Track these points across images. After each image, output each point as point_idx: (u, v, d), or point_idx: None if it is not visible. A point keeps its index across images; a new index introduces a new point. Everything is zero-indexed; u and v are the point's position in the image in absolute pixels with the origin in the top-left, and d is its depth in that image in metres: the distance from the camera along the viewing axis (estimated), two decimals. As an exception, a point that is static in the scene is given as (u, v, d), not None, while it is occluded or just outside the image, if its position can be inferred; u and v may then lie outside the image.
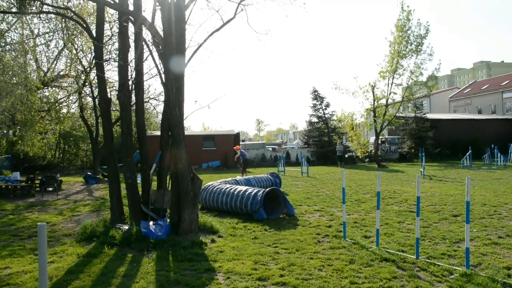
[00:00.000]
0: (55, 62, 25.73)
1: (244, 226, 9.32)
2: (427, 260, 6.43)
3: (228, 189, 11.42)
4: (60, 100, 28.52)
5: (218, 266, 6.34)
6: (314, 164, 32.97)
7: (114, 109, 22.90)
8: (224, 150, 32.43)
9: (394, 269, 5.98)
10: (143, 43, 9.76)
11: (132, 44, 9.81)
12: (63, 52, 24.43)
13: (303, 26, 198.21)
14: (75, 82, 24.73)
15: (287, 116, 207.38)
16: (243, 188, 11.31)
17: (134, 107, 9.68)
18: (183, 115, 8.49)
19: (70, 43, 21.01)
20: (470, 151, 26.57)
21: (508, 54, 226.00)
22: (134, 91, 9.60)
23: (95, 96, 24.11)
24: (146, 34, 10.09)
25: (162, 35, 8.51)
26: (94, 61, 22.26)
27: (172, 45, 8.10)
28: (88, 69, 22.39)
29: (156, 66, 10.01)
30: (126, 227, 8.48)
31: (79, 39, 21.48)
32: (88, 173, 22.72)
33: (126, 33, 9.28)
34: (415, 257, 6.53)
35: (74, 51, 22.14)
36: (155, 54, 10.27)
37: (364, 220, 9.80)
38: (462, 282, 5.36)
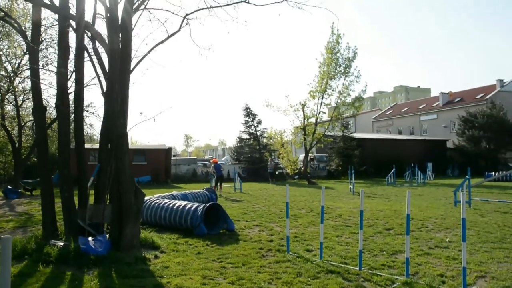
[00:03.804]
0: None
1: (186, 242, 9.15)
2: (369, 271, 6.72)
3: (167, 204, 11.17)
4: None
5: (166, 282, 6.17)
6: (246, 180, 33.14)
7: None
8: (155, 165, 31.62)
9: (340, 281, 6.18)
10: (84, 51, 9.39)
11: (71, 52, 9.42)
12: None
13: (237, 44, 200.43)
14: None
15: (216, 133, 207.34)
16: (183, 203, 11.13)
17: (73, 118, 9.23)
18: (127, 126, 8.25)
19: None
20: (394, 169, 28.15)
21: (423, 80, 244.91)
22: (73, 101, 9.17)
23: (18, 104, 22.65)
24: (88, 43, 9.75)
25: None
26: (20, 67, 21.04)
27: (118, 52, 7.89)
28: (12, 74, 20.96)
29: (97, 74, 9.66)
30: (62, 244, 7.99)
31: (2, 43, 20.13)
32: (9, 186, 21.13)
33: (67, 39, 8.88)
34: (358, 268, 6.80)
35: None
36: (95, 62, 9.96)
37: (303, 234, 10.02)
38: (404, 291, 5.68)
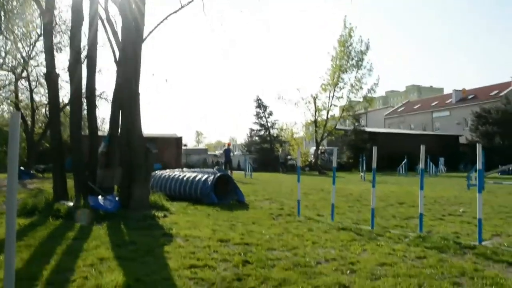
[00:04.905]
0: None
1: (195, 208, 9.10)
2: (382, 229, 6.60)
3: (177, 176, 11.16)
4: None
5: (175, 232, 6.11)
6: (256, 170, 33.06)
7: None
8: (165, 153, 31.63)
9: (353, 235, 6.08)
10: (98, 18, 9.38)
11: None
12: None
13: (249, 35, 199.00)
14: (12, 72, 23.16)
15: (226, 129, 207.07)
16: (193, 174, 11.11)
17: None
18: (139, 88, 8.22)
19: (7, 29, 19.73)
20: (405, 160, 27.82)
21: (435, 80, 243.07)
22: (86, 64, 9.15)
23: (32, 89, 22.85)
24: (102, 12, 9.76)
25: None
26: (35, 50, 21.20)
27: (133, 16, 7.86)
28: (27, 58, 21.13)
29: (110, 43, 9.66)
30: (71, 203, 7.99)
31: (19, 26, 20.32)
32: (21, 168, 21.27)
33: (80, 1, 8.86)
34: (370, 227, 6.68)
35: (12, 38, 20.79)
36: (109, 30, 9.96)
37: (314, 205, 9.94)
38: (418, 242, 5.55)
